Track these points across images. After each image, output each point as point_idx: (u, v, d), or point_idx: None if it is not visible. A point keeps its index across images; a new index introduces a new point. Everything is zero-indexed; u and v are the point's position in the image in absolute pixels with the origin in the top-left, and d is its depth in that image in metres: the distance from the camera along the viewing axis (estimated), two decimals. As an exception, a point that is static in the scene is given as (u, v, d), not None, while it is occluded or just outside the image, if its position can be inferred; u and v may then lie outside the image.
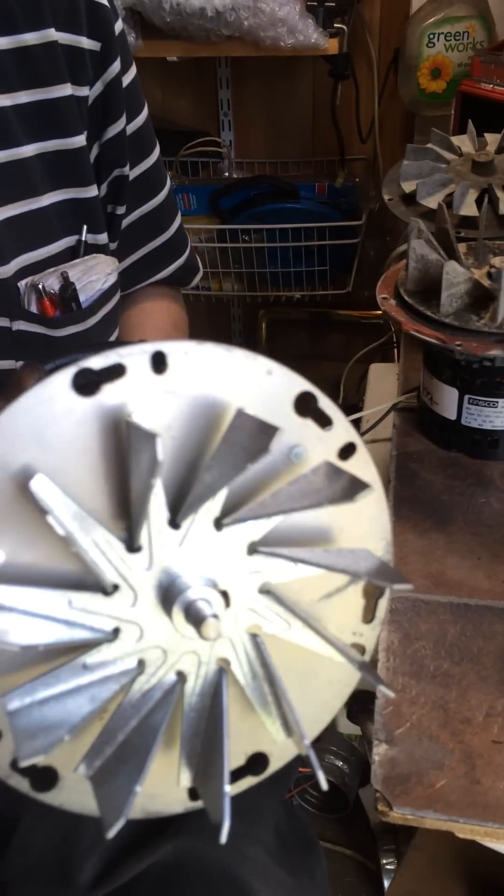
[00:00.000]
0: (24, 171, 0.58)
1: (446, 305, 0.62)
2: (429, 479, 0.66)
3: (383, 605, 0.34)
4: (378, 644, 0.37)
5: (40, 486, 0.26)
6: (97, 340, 0.66)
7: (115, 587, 0.29)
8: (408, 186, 0.82)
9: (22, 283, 0.59)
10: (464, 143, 0.87)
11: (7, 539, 0.28)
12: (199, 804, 0.32)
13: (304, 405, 0.30)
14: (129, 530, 0.29)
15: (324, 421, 0.31)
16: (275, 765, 0.34)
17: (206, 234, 1.67)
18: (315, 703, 0.34)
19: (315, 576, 0.31)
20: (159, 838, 0.58)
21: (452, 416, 0.68)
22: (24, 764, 0.27)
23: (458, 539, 0.61)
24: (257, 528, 0.30)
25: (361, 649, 0.34)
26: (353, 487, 0.30)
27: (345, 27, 1.39)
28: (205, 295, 1.79)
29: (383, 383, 0.92)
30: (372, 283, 1.96)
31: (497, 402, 0.66)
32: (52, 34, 0.58)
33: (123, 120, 0.64)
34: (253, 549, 0.30)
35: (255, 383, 0.29)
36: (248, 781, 0.33)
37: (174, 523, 0.29)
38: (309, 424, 0.30)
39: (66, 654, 0.29)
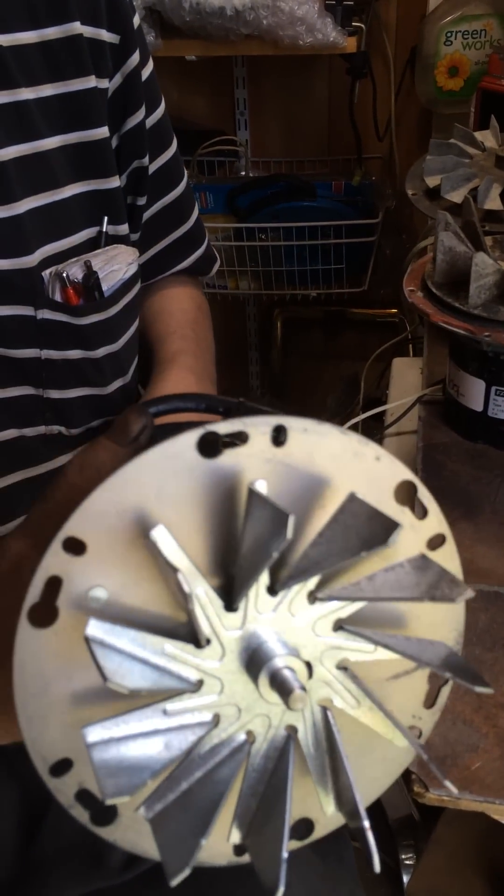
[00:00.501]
0: (47, 163, 0.59)
1: (475, 297, 0.62)
2: (456, 470, 0.67)
3: (445, 692, 0.34)
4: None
5: (161, 537, 0.28)
6: (118, 329, 0.67)
7: (208, 641, 0.30)
8: (432, 181, 0.83)
9: (46, 273, 0.60)
10: (486, 138, 0.88)
11: (113, 579, 0.29)
12: (242, 860, 0.32)
13: (404, 493, 0.31)
14: (224, 588, 0.30)
15: (420, 511, 0.32)
16: (319, 832, 0.34)
17: (222, 233, 1.68)
18: (366, 778, 0.34)
19: (388, 658, 0.32)
20: None
21: (479, 407, 0.68)
22: (109, 802, 0.28)
23: (486, 529, 0.62)
24: (348, 608, 0.31)
25: (419, 733, 0.34)
26: (450, 584, 0.31)
27: (363, 26, 1.39)
28: (220, 293, 1.80)
29: (406, 377, 0.93)
30: (388, 281, 1.96)
31: (524, 393, 0.66)
32: (77, 27, 0.59)
33: (143, 112, 0.65)
34: (339, 626, 0.32)
35: (364, 467, 0.31)
36: (292, 845, 0.33)
37: (272, 590, 0.30)
38: (406, 512, 0.32)
39: (147, 697, 0.30)
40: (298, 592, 0.30)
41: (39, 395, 0.63)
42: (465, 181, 0.81)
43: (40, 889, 0.59)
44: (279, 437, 0.29)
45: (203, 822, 0.28)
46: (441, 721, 0.48)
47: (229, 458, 0.29)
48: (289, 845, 0.32)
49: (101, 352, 0.65)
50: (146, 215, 0.71)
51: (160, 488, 0.28)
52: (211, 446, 0.28)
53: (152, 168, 0.69)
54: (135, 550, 0.29)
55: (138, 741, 0.29)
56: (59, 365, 0.63)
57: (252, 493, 0.28)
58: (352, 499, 0.29)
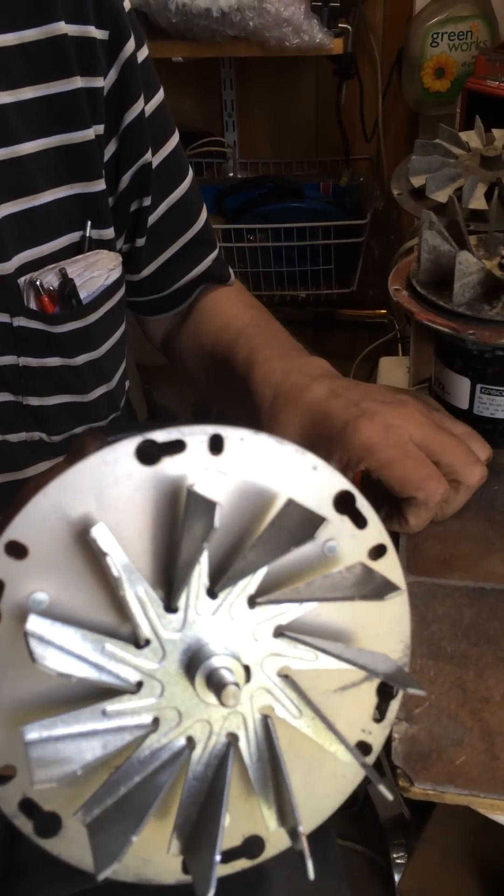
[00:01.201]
0: (25, 168, 0.58)
1: (459, 295, 0.62)
2: (441, 467, 0.67)
3: (394, 706, 0.35)
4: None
5: (100, 534, 0.28)
6: (99, 337, 0.66)
7: (147, 642, 0.30)
8: (417, 181, 0.83)
9: (21, 280, 0.60)
10: (471, 138, 0.88)
11: (55, 583, 0.29)
12: (190, 878, 0.32)
13: (343, 503, 0.32)
14: (167, 593, 0.30)
15: (360, 521, 0.32)
16: (270, 851, 0.34)
17: (211, 234, 1.69)
18: (317, 794, 0.34)
19: (332, 669, 0.33)
20: None
21: (465, 405, 0.69)
22: (36, 787, 0.28)
23: (472, 526, 0.62)
24: (287, 612, 0.32)
25: (368, 748, 0.34)
26: (384, 588, 0.32)
27: (349, 27, 1.40)
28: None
29: (393, 376, 0.93)
30: (377, 282, 1.97)
31: (509, 391, 0.66)
32: (62, 27, 0.58)
33: (142, 101, 0.64)
34: (279, 632, 0.32)
35: (301, 476, 0.31)
36: (242, 864, 0.33)
37: (212, 593, 0.31)
38: (345, 521, 0.32)
39: (87, 700, 0.30)
40: (238, 596, 0.31)
41: (19, 402, 0.63)
42: (449, 181, 0.81)
43: (25, 892, 0.59)
44: (216, 445, 0.30)
45: (137, 822, 0.29)
46: (425, 715, 0.48)
47: (168, 466, 0.30)
48: (239, 863, 0.33)
49: (80, 359, 0.64)
50: (153, 217, 0.69)
51: (100, 494, 0.29)
52: (149, 454, 0.29)
53: (156, 161, 0.67)
54: (77, 555, 0.29)
55: (77, 741, 0.29)
56: (37, 372, 0.63)
57: (188, 493, 0.29)
58: (289, 503, 0.30)
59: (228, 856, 0.33)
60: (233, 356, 0.65)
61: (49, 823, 0.32)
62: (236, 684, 0.30)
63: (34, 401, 0.63)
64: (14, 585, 0.29)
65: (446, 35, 1.51)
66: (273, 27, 1.28)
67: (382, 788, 0.31)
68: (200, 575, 0.30)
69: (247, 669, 0.31)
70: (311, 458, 0.31)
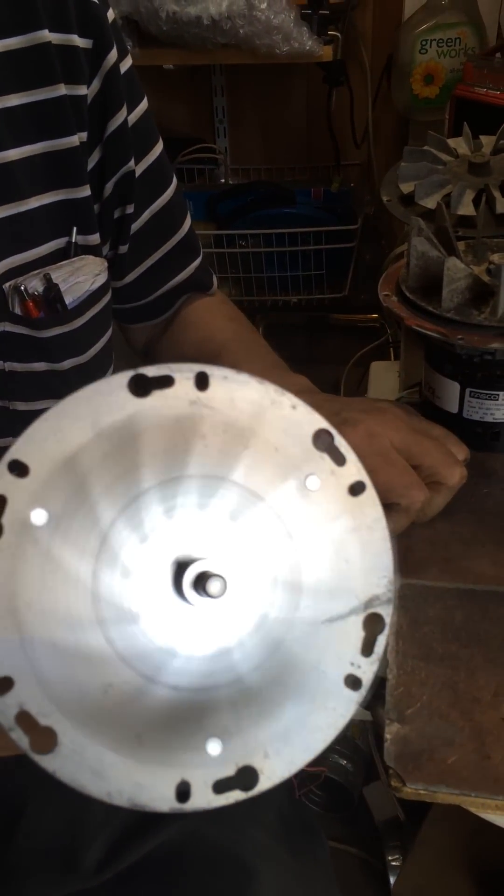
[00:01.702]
0: (11, 175, 0.59)
1: (447, 301, 0.63)
2: (432, 471, 0.68)
3: (382, 640, 0.35)
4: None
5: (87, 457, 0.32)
6: (85, 342, 0.66)
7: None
8: (406, 188, 0.84)
9: (6, 286, 0.60)
10: (459, 145, 0.89)
11: (54, 504, 0.31)
12: (185, 807, 0.33)
13: (321, 441, 0.34)
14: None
15: (338, 458, 0.35)
16: (264, 784, 0.34)
17: (203, 240, 1.69)
18: (308, 726, 0.35)
19: (318, 597, 0.34)
20: (163, 820, 0.59)
21: (454, 409, 0.70)
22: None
23: (462, 528, 0.62)
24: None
25: (357, 681, 0.35)
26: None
27: (339, 34, 1.41)
28: (202, 300, 1.81)
29: (384, 381, 0.94)
30: (368, 286, 1.98)
31: (498, 394, 0.67)
32: (46, 35, 0.58)
33: (125, 110, 0.64)
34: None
35: (282, 414, 0.34)
36: (236, 795, 0.33)
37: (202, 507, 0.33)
38: (325, 458, 0.34)
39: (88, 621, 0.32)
40: (222, 512, 0.33)
41: (6, 407, 0.63)
42: (438, 187, 0.82)
43: (15, 894, 0.59)
44: (202, 382, 0.33)
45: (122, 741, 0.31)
46: (417, 716, 0.49)
47: (157, 399, 0.33)
48: (233, 795, 0.33)
49: (67, 364, 0.64)
50: (136, 225, 0.69)
51: (95, 421, 0.32)
52: (140, 387, 0.32)
53: (139, 170, 0.67)
54: (73, 477, 0.32)
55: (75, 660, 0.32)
56: (23, 377, 0.63)
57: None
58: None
59: (222, 786, 0.33)
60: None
61: (45, 739, 0.32)
62: (220, 577, 0.31)
63: (21, 406, 0.64)
64: (16, 502, 0.31)
65: (435, 42, 1.52)
66: (263, 35, 1.29)
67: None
68: (188, 492, 0.33)
69: (228, 577, 0.33)
70: (290, 398, 0.34)
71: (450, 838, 1.17)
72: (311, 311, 1.89)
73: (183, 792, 0.33)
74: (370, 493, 0.35)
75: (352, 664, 0.35)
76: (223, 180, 1.81)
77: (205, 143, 1.77)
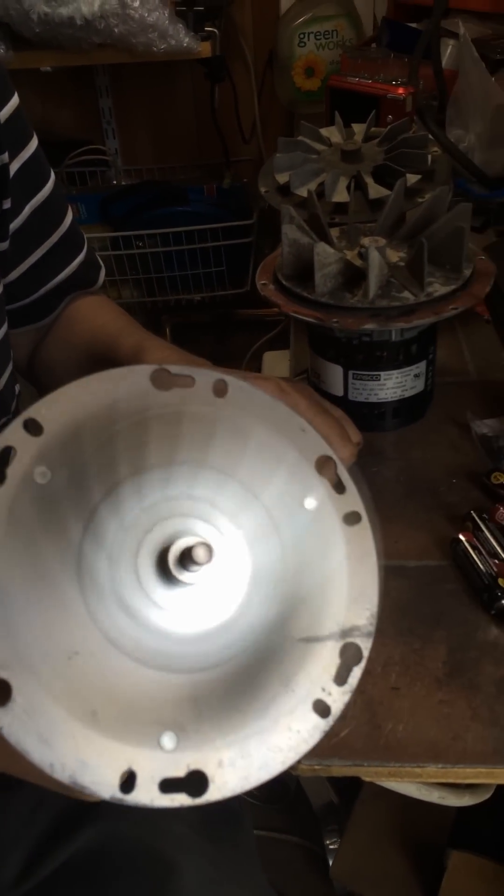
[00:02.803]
0: None
1: (320, 285, 0.64)
2: (322, 454, 0.69)
3: (357, 673, 0.34)
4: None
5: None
6: None
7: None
8: (281, 178, 0.85)
9: None
10: (332, 133, 0.91)
11: (61, 466, 0.32)
12: (126, 798, 0.31)
13: (325, 467, 0.35)
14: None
15: (339, 487, 0.35)
16: (213, 794, 0.32)
17: (99, 243, 1.67)
18: (269, 744, 0.33)
19: (298, 611, 0.34)
20: (80, 825, 0.58)
21: (340, 392, 0.71)
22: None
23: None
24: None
25: (327, 709, 0.34)
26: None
27: (216, 30, 1.41)
28: (105, 303, 1.79)
29: (276, 370, 0.95)
30: (268, 279, 1.94)
31: (379, 374, 0.69)
32: None
33: None
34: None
35: (291, 431, 0.35)
36: (182, 799, 0.31)
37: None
38: (325, 485, 0.35)
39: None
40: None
41: None
42: (312, 176, 0.83)
43: None
44: (221, 390, 0.35)
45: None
46: (310, 695, 0.49)
47: (176, 395, 0.34)
48: (178, 798, 0.31)
49: None
50: (16, 223, 0.68)
51: (115, 402, 0.33)
52: (162, 381, 0.34)
53: (14, 167, 0.66)
54: (81, 447, 0.33)
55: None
56: None
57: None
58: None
59: (169, 785, 0.31)
60: (115, 349, 0.65)
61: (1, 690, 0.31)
62: (205, 543, 0.31)
63: None
64: (24, 456, 0.32)
65: (313, 35, 1.54)
66: (139, 33, 1.28)
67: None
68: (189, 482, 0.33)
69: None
70: (299, 420, 0.35)
71: (382, 816, 1.19)
72: (216, 308, 1.90)
73: (128, 782, 0.31)
74: (364, 526, 0.35)
75: (323, 689, 0.34)
76: (115, 181, 1.79)
77: (93, 145, 1.75)
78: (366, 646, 0.34)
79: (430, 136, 0.90)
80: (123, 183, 1.79)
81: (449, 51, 1.22)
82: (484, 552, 0.57)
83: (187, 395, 0.34)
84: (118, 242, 1.67)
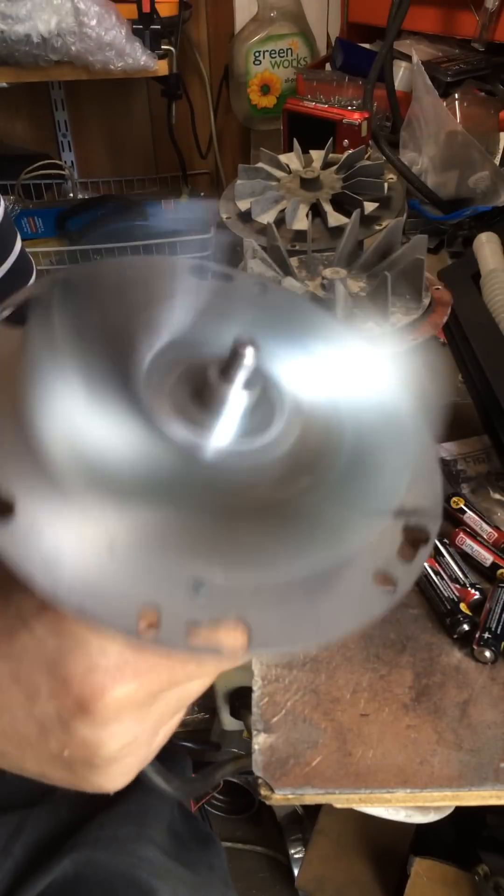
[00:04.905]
0: None
1: (285, 317, 0.66)
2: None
3: (424, 554, 0.30)
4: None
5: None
6: None
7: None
8: (243, 205, 0.86)
9: None
10: (291, 160, 0.92)
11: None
12: (146, 638, 0.25)
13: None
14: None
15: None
16: (251, 650, 0.26)
17: (56, 256, 1.67)
18: (324, 609, 0.27)
19: (359, 475, 0.30)
20: (56, 855, 0.58)
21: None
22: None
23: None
24: None
25: (390, 579, 0.29)
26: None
27: (172, 49, 1.42)
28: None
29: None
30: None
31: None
32: None
33: None
34: None
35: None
36: (211, 646, 0.26)
37: None
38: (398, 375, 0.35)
39: None
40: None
41: None
42: (273, 203, 0.85)
43: None
44: (263, 288, 0.35)
45: None
46: (282, 723, 0.51)
47: (215, 284, 0.34)
48: (208, 646, 0.25)
49: None
50: None
51: (155, 288, 0.33)
52: (201, 272, 0.34)
53: None
54: (121, 308, 0.32)
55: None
56: None
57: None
58: None
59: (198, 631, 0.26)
60: None
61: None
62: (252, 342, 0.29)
63: None
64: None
65: (268, 53, 1.56)
66: (96, 51, 1.28)
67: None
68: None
69: None
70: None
71: (345, 825, 1.21)
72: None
73: (147, 619, 0.25)
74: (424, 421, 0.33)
75: (388, 562, 0.29)
76: (72, 194, 1.78)
77: (49, 159, 1.74)
78: (433, 528, 0.30)
79: (386, 162, 0.92)
80: (80, 196, 1.78)
81: (401, 73, 1.25)
82: (446, 577, 0.59)
83: (229, 289, 0.35)
84: (75, 256, 1.66)
